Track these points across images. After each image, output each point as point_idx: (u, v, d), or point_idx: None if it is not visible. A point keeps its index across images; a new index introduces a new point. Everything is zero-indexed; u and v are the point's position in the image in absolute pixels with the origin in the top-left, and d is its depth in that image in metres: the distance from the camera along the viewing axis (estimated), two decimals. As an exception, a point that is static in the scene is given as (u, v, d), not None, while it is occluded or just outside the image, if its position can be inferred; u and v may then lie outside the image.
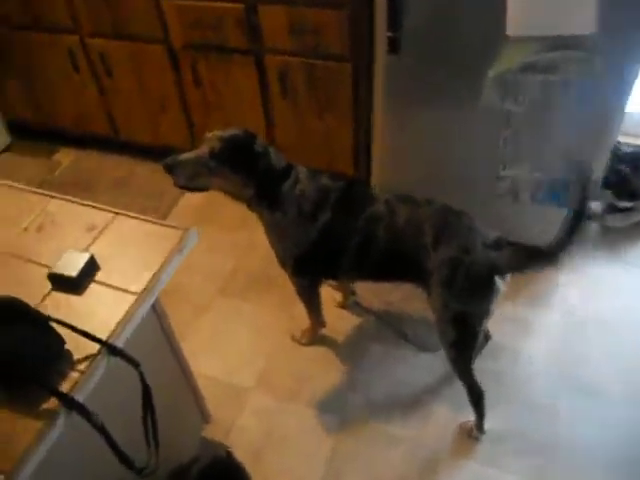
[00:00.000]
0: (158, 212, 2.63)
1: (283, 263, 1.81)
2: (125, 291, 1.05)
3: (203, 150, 1.55)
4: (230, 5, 2.11)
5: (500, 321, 2.07)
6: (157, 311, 1.32)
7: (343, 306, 2.20)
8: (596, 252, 2.32)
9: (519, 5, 1.66)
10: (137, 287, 1.05)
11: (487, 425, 1.78)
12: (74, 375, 0.93)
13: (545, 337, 2.06)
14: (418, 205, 1.65)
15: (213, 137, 1.57)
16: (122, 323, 1.00)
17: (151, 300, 1.06)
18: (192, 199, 2.70)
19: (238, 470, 1.45)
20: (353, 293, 2.21)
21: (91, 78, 2.60)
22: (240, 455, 1.81)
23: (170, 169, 1.54)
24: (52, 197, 1.25)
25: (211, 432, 1.87)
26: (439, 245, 1.56)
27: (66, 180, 2.85)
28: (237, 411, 1.94)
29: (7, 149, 3.04)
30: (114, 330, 0.99)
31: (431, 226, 1.58)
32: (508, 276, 1.60)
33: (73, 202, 1.24)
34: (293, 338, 2.10)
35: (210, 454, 1.41)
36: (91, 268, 1.08)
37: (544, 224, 2.14)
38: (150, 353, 1.36)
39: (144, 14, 2.27)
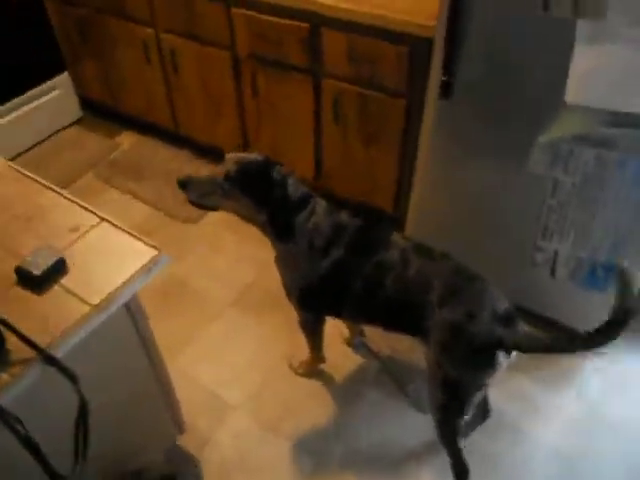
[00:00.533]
0: (195, 211, 2.66)
1: (289, 293, 1.78)
2: (83, 301, 1.05)
3: (219, 171, 1.54)
4: (295, 23, 2.10)
5: (508, 397, 1.95)
6: (133, 315, 1.30)
7: (349, 344, 2.13)
8: (635, 342, 2.12)
9: (582, 73, 1.54)
10: (95, 300, 1.04)
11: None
12: (4, 377, 0.93)
13: (554, 425, 1.89)
14: (433, 259, 1.58)
15: (231, 159, 1.56)
16: (67, 333, 0.99)
17: (104, 315, 1.04)
18: (232, 204, 2.71)
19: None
20: (362, 334, 2.14)
21: (160, 71, 2.68)
22: (208, 472, 1.81)
23: (184, 185, 1.55)
24: (50, 189, 1.27)
25: (186, 442, 1.86)
26: (444, 305, 1.47)
27: (121, 161, 2.95)
28: (218, 426, 1.91)
29: (77, 122, 3.19)
30: (56, 339, 0.98)
31: (441, 283, 1.50)
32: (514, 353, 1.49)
33: (67, 198, 1.25)
34: (290, 366, 2.05)
35: (159, 472, 1.39)
36: (58, 270, 1.08)
37: (580, 304, 2.00)
38: (121, 356, 1.35)
39: (215, 19, 2.31)
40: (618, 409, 1.93)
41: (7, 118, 2.83)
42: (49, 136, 3.10)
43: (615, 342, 2.05)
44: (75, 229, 1.18)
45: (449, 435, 1.61)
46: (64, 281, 1.08)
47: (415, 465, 1.82)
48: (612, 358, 2.06)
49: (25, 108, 2.90)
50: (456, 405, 1.54)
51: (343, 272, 1.62)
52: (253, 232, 2.53)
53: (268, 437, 1.89)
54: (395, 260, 1.57)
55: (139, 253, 1.13)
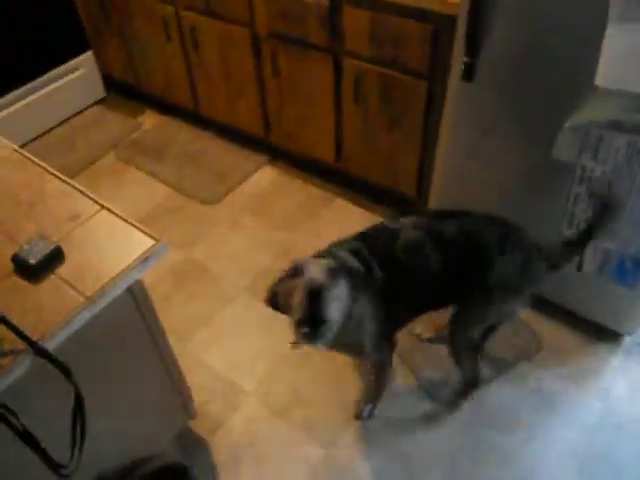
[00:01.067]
0: (216, 192, 2.64)
1: (371, 346, 1.62)
2: (78, 292, 1.03)
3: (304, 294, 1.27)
4: (315, 1, 2.03)
5: (527, 393, 1.89)
6: (138, 302, 1.27)
7: None
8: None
9: (614, 55, 1.43)
10: (89, 291, 1.02)
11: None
12: (-6, 369, 0.92)
13: (574, 424, 1.82)
14: (458, 216, 1.57)
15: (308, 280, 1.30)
16: (60, 325, 0.98)
17: (98, 307, 1.02)
18: (252, 188, 2.68)
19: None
20: None
21: (180, 49, 2.64)
22: (219, 457, 1.81)
23: (317, 327, 1.25)
24: (54, 175, 1.25)
25: (198, 426, 1.86)
26: (504, 252, 1.51)
27: (143, 142, 2.94)
28: (230, 411, 1.91)
29: (100, 102, 3.18)
30: (49, 330, 0.97)
31: (491, 233, 1.54)
32: None
33: (70, 185, 1.23)
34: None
35: (164, 460, 1.38)
36: (54, 259, 1.06)
37: (609, 300, 1.91)
38: (126, 342, 1.33)
39: (234, -4, 2.25)
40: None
41: (31, 97, 2.84)
42: (73, 115, 3.10)
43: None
44: (75, 217, 1.16)
45: (473, 365, 1.76)
46: (60, 271, 1.06)
47: (425, 458, 1.77)
48: (638, 356, 1.97)
49: (49, 87, 2.90)
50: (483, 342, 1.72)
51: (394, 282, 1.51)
52: (272, 215, 2.54)
53: (279, 424, 1.87)
54: (421, 238, 1.52)
55: (137, 243, 1.10)
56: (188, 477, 1.41)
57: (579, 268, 1.88)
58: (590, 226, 1.56)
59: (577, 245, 1.61)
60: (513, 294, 1.56)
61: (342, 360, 2.01)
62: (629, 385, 1.91)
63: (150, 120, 3.07)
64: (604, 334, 2.01)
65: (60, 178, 1.26)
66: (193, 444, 1.82)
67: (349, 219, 2.49)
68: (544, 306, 2.05)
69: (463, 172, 1.97)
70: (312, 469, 1.75)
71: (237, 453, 1.80)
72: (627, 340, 2.00)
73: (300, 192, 2.63)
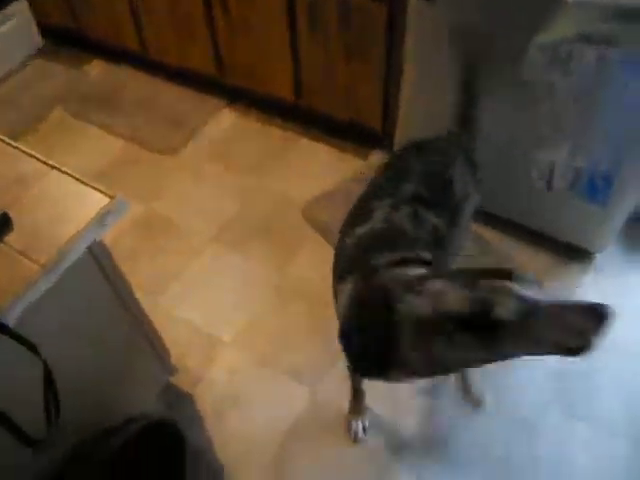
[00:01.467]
0: (174, 141, 2.53)
1: None
2: (31, 260, 0.96)
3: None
4: None
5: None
6: (99, 262, 1.20)
7: None
8: (633, 257, 2.05)
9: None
10: (44, 258, 0.95)
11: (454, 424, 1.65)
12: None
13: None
14: (405, 166, 1.51)
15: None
16: (17, 297, 0.91)
17: (55, 274, 0.96)
18: (211, 133, 2.57)
19: (177, 439, 1.39)
20: None
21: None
22: (204, 408, 1.80)
23: None
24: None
25: (179, 380, 1.83)
26: (456, 167, 1.50)
27: (91, 93, 2.77)
28: (209, 363, 1.88)
29: (39, 54, 2.96)
30: (5, 304, 0.90)
31: (444, 158, 1.53)
32: None
33: (11, 146, 1.13)
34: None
35: (151, 417, 1.36)
36: (2, 227, 0.98)
37: (577, 218, 1.91)
38: (92, 305, 1.28)
39: None
40: (618, 330, 1.87)
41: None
42: (11, 70, 2.88)
43: (619, 260, 2.02)
44: (21, 180, 1.07)
45: None
46: (9, 240, 0.98)
47: (407, 395, 1.78)
48: (612, 276, 2.00)
49: (-20, 41, 2.69)
50: None
51: None
52: (235, 161, 2.45)
53: (261, 372, 1.86)
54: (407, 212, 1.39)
55: (92, 202, 1.03)
56: (176, 433, 1.39)
57: (549, 187, 1.87)
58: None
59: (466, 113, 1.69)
60: (473, 187, 1.55)
61: (320, 301, 1.99)
62: (603, 301, 1.93)
63: (96, 69, 2.88)
64: (575, 253, 2.03)
65: (2, 140, 1.15)
66: (177, 399, 1.81)
67: (315, 159, 2.42)
68: (513, 229, 2.06)
69: (429, 99, 1.91)
70: (299, 410, 1.76)
71: (222, 402, 1.79)
72: (598, 258, 2.02)
73: (262, 134, 2.53)
